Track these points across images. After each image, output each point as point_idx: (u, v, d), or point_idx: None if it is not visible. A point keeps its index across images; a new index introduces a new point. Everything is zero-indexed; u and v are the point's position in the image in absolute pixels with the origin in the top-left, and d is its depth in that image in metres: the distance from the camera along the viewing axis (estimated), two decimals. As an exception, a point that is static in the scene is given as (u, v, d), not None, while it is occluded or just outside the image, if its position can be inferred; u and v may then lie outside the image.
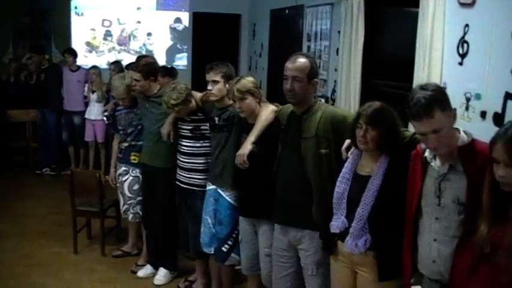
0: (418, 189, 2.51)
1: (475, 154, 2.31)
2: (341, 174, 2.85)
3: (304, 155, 3.13)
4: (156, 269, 4.79)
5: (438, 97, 2.31)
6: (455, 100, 4.05)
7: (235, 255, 3.95)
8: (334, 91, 5.95)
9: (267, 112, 3.48)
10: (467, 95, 3.96)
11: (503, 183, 2.03)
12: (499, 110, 3.66)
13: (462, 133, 2.42)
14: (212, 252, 4.04)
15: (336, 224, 2.81)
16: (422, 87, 2.34)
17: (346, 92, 5.41)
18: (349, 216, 2.75)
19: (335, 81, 5.88)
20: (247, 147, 3.40)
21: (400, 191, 2.61)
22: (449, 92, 4.09)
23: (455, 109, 2.39)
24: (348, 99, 5.34)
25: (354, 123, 2.77)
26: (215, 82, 3.85)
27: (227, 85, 3.81)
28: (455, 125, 2.47)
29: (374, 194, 2.67)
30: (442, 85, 4.22)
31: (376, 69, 5.40)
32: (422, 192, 2.50)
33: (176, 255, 4.84)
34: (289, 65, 3.12)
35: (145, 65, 4.45)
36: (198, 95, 4.18)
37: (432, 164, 2.47)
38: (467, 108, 3.95)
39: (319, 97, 5.73)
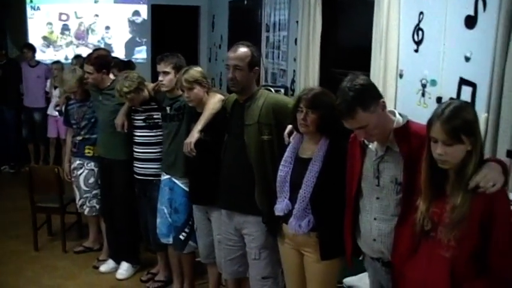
0: (358, 170, 2.56)
1: (410, 135, 2.37)
2: (283, 158, 2.89)
3: (247, 141, 3.17)
4: (118, 263, 4.73)
5: (359, 98, 2.33)
6: (412, 87, 4.08)
7: (193, 243, 3.96)
8: (293, 81, 5.92)
9: (214, 101, 3.51)
10: (423, 81, 3.98)
11: (442, 161, 2.08)
12: (454, 95, 3.68)
13: (397, 115, 2.47)
14: (171, 242, 4.04)
15: (280, 206, 2.85)
16: (348, 87, 2.35)
17: (305, 81, 5.39)
18: (292, 199, 2.80)
19: (294, 71, 5.85)
20: (194, 135, 3.42)
21: (341, 172, 2.67)
22: (405, 78, 4.21)
23: (383, 101, 2.41)
24: (306, 89, 5.32)
25: (294, 107, 2.81)
26: (166, 73, 3.86)
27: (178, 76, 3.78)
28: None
29: (315, 175, 2.73)
30: (398, 72, 4.26)
31: (334, 59, 5.40)
32: (362, 174, 2.55)
33: (138, 248, 4.78)
34: (230, 54, 3.17)
35: (97, 57, 4.41)
36: (150, 85, 4.21)
37: (370, 146, 2.52)
38: (423, 95, 3.98)
39: (279, 87, 5.71)
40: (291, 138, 2.96)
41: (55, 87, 7.49)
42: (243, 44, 3.22)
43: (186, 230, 3.94)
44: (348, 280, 3.20)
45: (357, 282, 3.14)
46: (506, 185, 2.14)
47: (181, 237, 3.95)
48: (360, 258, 2.77)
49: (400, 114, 2.49)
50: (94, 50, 4.68)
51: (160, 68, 3.87)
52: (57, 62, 7.84)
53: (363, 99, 2.34)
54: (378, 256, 2.56)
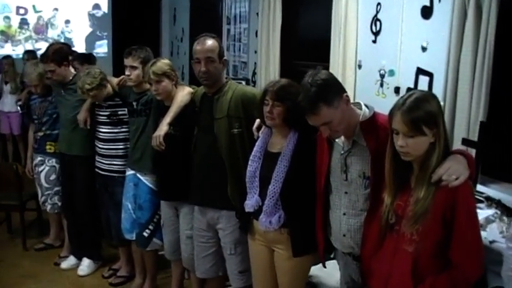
0: (326, 165, 2.49)
1: (377, 127, 2.29)
2: (252, 153, 2.81)
3: (217, 135, 3.10)
4: (80, 259, 4.60)
5: (322, 93, 2.25)
6: (371, 77, 4.09)
7: (157, 240, 3.87)
8: (254, 73, 5.89)
9: (183, 94, 3.40)
10: (382, 71, 4.00)
11: (403, 153, 2.02)
12: (412, 85, 3.71)
13: (364, 108, 2.39)
14: (134, 238, 3.94)
15: (250, 202, 2.77)
16: (310, 82, 2.28)
17: (266, 73, 5.37)
18: (262, 194, 2.71)
19: (255, 63, 5.81)
20: (162, 128, 3.31)
21: (311, 166, 2.60)
22: (364, 69, 4.21)
23: (346, 95, 2.35)
24: (268, 81, 5.28)
25: (261, 100, 2.73)
26: (133, 68, 3.72)
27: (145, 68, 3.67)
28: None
29: (284, 170, 2.64)
30: (357, 63, 4.26)
31: (294, 50, 5.39)
32: (330, 168, 2.49)
33: (99, 244, 4.65)
34: (199, 47, 3.07)
35: (54, 52, 4.25)
36: (114, 80, 4.05)
37: (337, 140, 2.46)
38: (382, 85, 3.99)
39: (241, 80, 5.67)
40: (260, 132, 2.88)
41: (6, 83, 7.26)
42: (208, 36, 3.14)
43: (150, 227, 3.84)
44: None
45: (317, 271, 3.11)
46: (472, 178, 2.08)
47: (145, 234, 3.86)
48: (332, 255, 2.72)
49: (366, 105, 2.41)
50: (48, 47, 4.45)
51: (128, 62, 3.73)
52: (7, 56, 7.54)
53: (326, 94, 2.25)
54: (348, 251, 2.49)
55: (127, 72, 3.74)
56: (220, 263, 3.32)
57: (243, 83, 5.33)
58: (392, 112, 2.03)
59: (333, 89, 2.30)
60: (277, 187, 2.65)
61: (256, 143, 2.83)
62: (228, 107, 3.06)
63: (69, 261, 4.65)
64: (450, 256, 2.01)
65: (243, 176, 2.84)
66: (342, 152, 2.41)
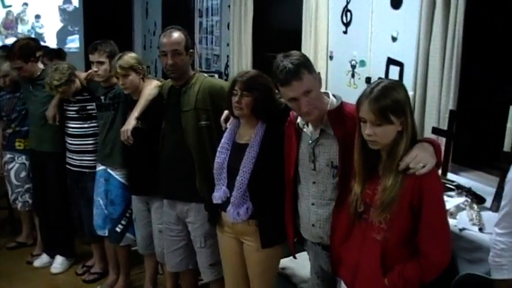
0: (294, 155, 2.48)
1: (344, 117, 2.30)
2: (220, 144, 2.79)
3: (184, 128, 3.07)
4: (53, 257, 4.53)
5: (304, 61, 2.27)
6: (342, 68, 4.09)
7: (130, 235, 3.83)
8: (227, 66, 5.84)
9: (151, 87, 3.37)
10: (353, 62, 3.99)
11: (371, 141, 2.02)
12: (383, 75, 3.70)
13: (331, 97, 2.40)
14: (106, 234, 3.90)
15: (218, 194, 2.75)
16: (286, 55, 2.28)
17: (238, 66, 5.33)
18: (230, 186, 2.69)
19: (228, 56, 5.77)
20: (130, 122, 3.29)
21: (279, 157, 2.58)
22: (335, 60, 4.20)
23: (319, 73, 2.37)
24: (241, 73, 5.26)
25: (229, 91, 2.71)
26: (100, 63, 3.66)
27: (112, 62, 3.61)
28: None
29: (252, 161, 2.63)
30: (328, 54, 4.25)
31: (266, 42, 5.35)
32: (299, 158, 2.48)
33: (72, 241, 4.59)
34: (165, 40, 3.04)
35: (20, 49, 4.14)
36: (82, 74, 3.99)
37: (305, 130, 2.44)
38: (353, 75, 3.98)
39: (213, 72, 5.62)
40: (228, 124, 2.86)
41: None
42: (174, 28, 3.11)
43: (123, 222, 3.80)
44: (281, 262, 3.15)
45: (289, 263, 3.10)
46: (440, 166, 2.11)
47: (117, 229, 3.81)
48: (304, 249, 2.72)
49: (334, 95, 2.42)
50: (14, 43, 4.34)
51: (94, 57, 3.67)
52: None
53: (307, 62, 2.29)
54: (317, 241, 2.50)
55: (94, 68, 3.68)
56: (190, 256, 3.32)
57: (216, 76, 5.30)
58: (359, 101, 2.03)
59: (311, 62, 2.34)
60: (245, 178, 2.63)
61: (224, 134, 2.81)
62: (195, 100, 3.05)
63: (42, 260, 4.58)
64: (418, 244, 2.02)
65: (211, 168, 2.82)
66: (310, 141, 2.40)
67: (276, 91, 2.45)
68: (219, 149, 2.77)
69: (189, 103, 3.06)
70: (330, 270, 2.44)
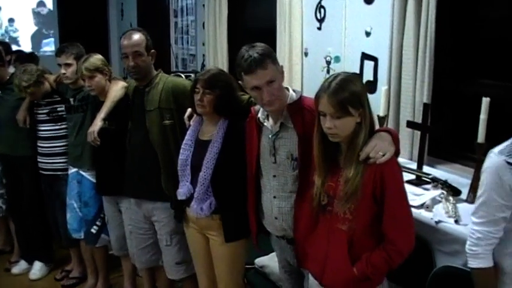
0: (255, 149, 2.51)
1: (304, 110, 2.33)
2: (184, 141, 2.82)
3: (149, 127, 3.10)
4: (31, 263, 4.47)
5: (268, 52, 2.30)
6: (317, 64, 4.07)
7: (105, 236, 3.80)
8: (203, 65, 5.81)
9: (117, 88, 3.37)
10: (327, 58, 3.98)
11: (331, 134, 2.04)
12: (358, 70, 3.70)
13: (291, 91, 2.44)
14: (82, 236, 3.87)
15: (182, 190, 2.77)
16: (251, 46, 2.31)
17: (214, 65, 5.29)
18: (194, 182, 2.72)
19: (203, 55, 5.74)
20: (97, 123, 3.28)
21: (240, 152, 2.62)
22: (310, 56, 4.19)
23: (282, 66, 2.41)
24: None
25: (192, 89, 2.73)
26: (68, 65, 3.66)
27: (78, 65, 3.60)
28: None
29: (214, 157, 2.66)
30: (303, 50, 4.24)
31: (242, 41, 5.28)
32: (260, 152, 2.51)
33: (50, 246, 4.52)
34: (125, 42, 3.06)
35: None
36: (51, 77, 3.96)
37: (265, 124, 2.47)
38: (328, 71, 3.97)
39: (190, 72, 5.59)
40: (191, 121, 2.88)
41: None
42: (135, 30, 3.14)
43: (98, 223, 3.78)
44: (259, 260, 3.15)
45: (267, 261, 3.10)
46: (398, 154, 2.12)
47: (92, 230, 3.79)
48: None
49: (294, 90, 2.46)
50: None
51: (62, 60, 3.67)
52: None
53: (271, 53, 2.31)
54: (281, 234, 2.52)
55: (62, 71, 3.67)
56: (159, 253, 3.35)
57: (192, 76, 5.26)
58: (318, 95, 2.05)
59: (275, 54, 2.35)
60: (207, 174, 2.66)
61: (188, 132, 2.84)
62: (159, 99, 3.08)
63: (20, 266, 4.52)
64: (383, 230, 2.06)
65: (176, 166, 2.84)
66: (270, 135, 2.43)
67: (239, 84, 2.47)
68: (182, 146, 2.80)
69: (153, 103, 3.09)
70: (296, 264, 2.46)
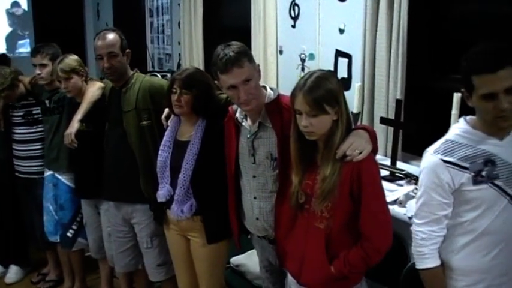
0: (234, 150, 2.47)
1: (282, 108, 2.29)
2: (162, 142, 2.77)
3: (126, 128, 3.04)
4: (7, 267, 4.40)
5: (244, 50, 2.27)
6: (292, 62, 4.06)
7: (82, 240, 3.75)
8: (179, 65, 5.77)
9: (93, 89, 3.30)
10: (302, 56, 3.98)
11: (308, 132, 2.02)
12: (332, 67, 3.69)
13: (269, 90, 2.41)
14: (58, 240, 3.81)
15: (162, 192, 2.72)
16: (227, 45, 2.28)
17: (190, 64, 5.25)
18: (174, 184, 2.68)
19: (179, 54, 5.70)
20: (73, 125, 3.21)
21: (220, 153, 2.58)
22: (285, 54, 4.18)
23: (258, 65, 2.38)
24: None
25: (169, 89, 2.68)
26: (43, 66, 3.60)
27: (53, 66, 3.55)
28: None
29: (194, 158, 2.62)
30: (278, 48, 4.23)
31: (217, 40, 5.25)
32: (239, 153, 2.47)
33: (27, 249, 4.45)
34: (99, 43, 2.99)
35: None
36: (26, 79, 3.89)
37: (244, 124, 2.43)
38: (303, 69, 3.97)
39: (166, 72, 5.55)
40: (169, 121, 2.83)
41: None
42: (109, 30, 3.08)
43: (74, 226, 3.72)
44: (235, 259, 3.14)
45: (243, 260, 3.08)
46: (376, 152, 2.12)
47: (69, 234, 3.73)
48: (249, 236, 2.69)
49: (271, 88, 2.42)
50: None
51: (37, 60, 3.61)
52: None
53: (247, 52, 2.29)
54: (263, 234, 2.49)
55: (37, 71, 3.61)
56: (139, 256, 3.30)
57: (169, 75, 5.22)
58: (294, 93, 2.03)
59: (250, 53, 2.33)
60: (187, 175, 2.62)
61: (166, 133, 2.79)
62: (136, 99, 3.01)
63: (-5, 270, 4.45)
64: (360, 228, 2.04)
65: (155, 167, 2.79)
66: (249, 135, 2.39)
67: (216, 84, 2.44)
68: (161, 147, 2.75)
69: (130, 103, 3.02)
70: (277, 264, 2.44)
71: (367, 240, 2.03)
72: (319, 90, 1.96)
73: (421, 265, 2.02)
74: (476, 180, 1.88)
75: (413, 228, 2.04)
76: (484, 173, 1.87)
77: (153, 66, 6.32)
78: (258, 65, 2.35)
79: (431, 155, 1.94)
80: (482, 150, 1.89)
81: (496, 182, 1.88)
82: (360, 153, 1.98)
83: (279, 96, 2.37)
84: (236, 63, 2.21)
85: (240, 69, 2.21)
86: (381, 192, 2.07)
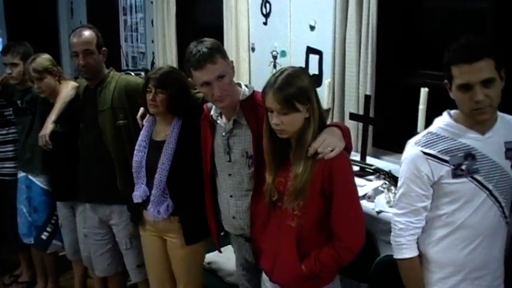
0: (210, 148, 2.45)
1: (257, 105, 2.24)
2: (137, 142, 2.73)
3: (102, 128, 2.98)
4: (-21, 269, 4.35)
5: (217, 46, 2.26)
6: (264, 59, 4.06)
7: (57, 242, 3.70)
8: (153, 63, 5.73)
9: (67, 89, 3.25)
10: (274, 53, 3.98)
11: (279, 130, 2.00)
12: (303, 64, 3.71)
13: (244, 87, 2.38)
14: (32, 242, 3.75)
15: (138, 193, 2.69)
16: (200, 41, 2.26)
17: (164, 62, 5.22)
18: (150, 184, 2.64)
19: (153, 53, 5.66)
20: (48, 127, 3.15)
21: (196, 152, 2.54)
22: (257, 52, 4.18)
23: (232, 61, 2.37)
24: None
25: (143, 88, 2.64)
26: (14, 65, 3.55)
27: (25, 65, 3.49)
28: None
29: (169, 158, 2.58)
30: (250, 46, 4.23)
31: (190, 38, 5.23)
32: (215, 151, 2.45)
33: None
34: (75, 40, 2.93)
35: None
36: None
37: (219, 122, 2.41)
38: (275, 66, 3.97)
39: (140, 70, 5.51)
40: (144, 121, 2.79)
41: None
42: (84, 27, 3.02)
43: (48, 229, 3.67)
44: (206, 257, 3.09)
45: (215, 258, 3.07)
46: (350, 149, 2.11)
47: (43, 237, 3.68)
48: (222, 233, 2.69)
49: (246, 85, 2.40)
50: None
51: (7, 59, 3.56)
52: None
53: (220, 48, 2.27)
54: (240, 233, 2.47)
55: (8, 71, 3.56)
56: (118, 258, 3.24)
57: (143, 74, 5.18)
58: (265, 91, 2.00)
59: (224, 49, 2.31)
60: (163, 176, 2.58)
61: (141, 132, 2.75)
62: (111, 98, 2.96)
63: (-33, 273, 4.38)
64: (332, 227, 2.02)
65: (131, 167, 2.75)
66: (224, 133, 2.37)
67: (191, 82, 2.41)
68: (136, 148, 2.71)
69: (106, 102, 2.97)
70: (254, 262, 2.41)
71: (338, 239, 2.01)
72: (290, 88, 1.94)
73: (398, 255, 2.03)
74: (456, 173, 1.89)
75: (392, 218, 2.05)
76: (463, 167, 1.88)
77: (127, 65, 6.26)
78: (232, 62, 2.33)
79: (412, 146, 1.95)
80: (463, 144, 1.89)
81: (476, 176, 1.89)
82: (332, 151, 1.96)
83: (254, 93, 2.34)
84: (209, 60, 2.19)
85: (213, 65, 2.19)
86: (354, 190, 2.04)
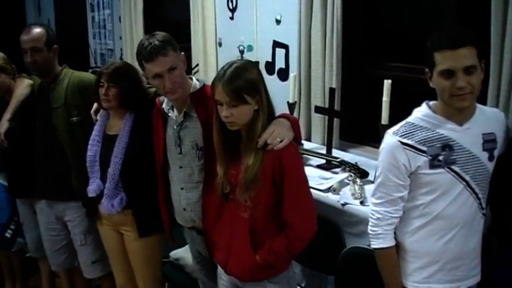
0: (162, 141, 2.47)
1: (206, 98, 2.26)
2: (91, 137, 2.74)
3: (56, 125, 2.98)
4: None
5: (169, 39, 2.27)
6: (231, 54, 4.03)
7: (22, 239, 3.65)
8: (121, 60, 5.65)
9: (22, 87, 3.21)
10: (241, 47, 3.97)
11: (229, 123, 2.02)
12: (270, 59, 3.70)
13: (194, 80, 2.42)
14: (-4, 241, 3.70)
15: (92, 187, 2.69)
16: (152, 35, 2.28)
17: (132, 59, 5.09)
18: (104, 178, 2.66)
19: (121, 49, 5.60)
20: (3, 125, 3.12)
21: (148, 146, 2.56)
22: (224, 47, 4.15)
23: (183, 54, 2.37)
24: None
25: (96, 83, 2.64)
26: None
27: None
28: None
29: (122, 152, 2.60)
30: (217, 41, 4.20)
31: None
32: (167, 144, 2.46)
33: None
34: (24, 37, 2.91)
35: None
36: None
37: (170, 114, 2.43)
38: (242, 61, 3.94)
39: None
40: (98, 116, 2.80)
41: None
42: (35, 25, 3.00)
43: (12, 227, 3.61)
44: (174, 253, 3.12)
45: (182, 254, 3.06)
46: (299, 140, 2.13)
47: (7, 235, 3.61)
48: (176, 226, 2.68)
49: (197, 79, 2.43)
50: None
51: None
52: None
53: (172, 41, 2.28)
54: (191, 225, 2.50)
55: None
56: (74, 254, 3.25)
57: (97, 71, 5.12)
58: (214, 84, 2.01)
59: (175, 42, 2.31)
60: (116, 169, 2.60)
61: (95, 127, 2.76)
62: (64, 95, 2.96)
63: None
64: (284, 217, 2.04)
65: (85, 164, 2.74)
66: (175, 126, 2.39)
67: (145, 77, 2.41)
68: (90, 142, 2.72)
69: (59, 99, 2.97)
70: (207, 255, 2.43)
71: (290, 228, 2.03)
72: (238, 81, 1.95)
73: (375, 244, 2.03)
74: (433, 164, 1.89)
75: (370, 207, 2.06)
76: (441, 158, 1.89)
77: (95, 62, 6.19)
78: (183, 55, 2.34)
79: (390, 136, 1.95)
80: (441, 134, 1.90)
81: (453, 167, 1.89)
82: (281, 142, 1.98)
83: (204, 86, 2.37)
84: (161, 52, 2.20)
85: (164, 57, 2.21)
86: (304, 180, 2.07)
